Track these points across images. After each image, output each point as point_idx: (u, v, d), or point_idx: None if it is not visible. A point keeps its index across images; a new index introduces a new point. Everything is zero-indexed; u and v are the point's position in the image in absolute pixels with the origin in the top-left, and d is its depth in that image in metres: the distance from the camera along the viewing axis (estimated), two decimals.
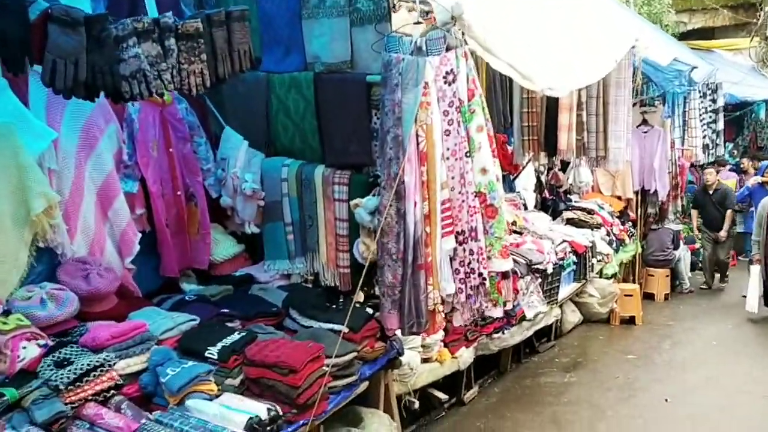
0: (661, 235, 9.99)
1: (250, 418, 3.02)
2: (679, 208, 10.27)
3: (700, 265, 10.98)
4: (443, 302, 3.98)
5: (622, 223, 9.73)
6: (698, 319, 8.98)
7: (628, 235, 9.73)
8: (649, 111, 9.76)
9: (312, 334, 3.74)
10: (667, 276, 10.09)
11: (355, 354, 3.74)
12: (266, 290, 4.39)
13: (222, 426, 2.95)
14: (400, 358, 4.35)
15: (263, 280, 4.55)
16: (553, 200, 9.15)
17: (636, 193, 9.88)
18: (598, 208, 9.34)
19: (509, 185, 8.89)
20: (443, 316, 4.01)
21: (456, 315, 4.10)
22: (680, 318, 9.03)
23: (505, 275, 4.06)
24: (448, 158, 3.93)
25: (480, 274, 3.95)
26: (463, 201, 3.94)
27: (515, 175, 8.91)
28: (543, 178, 9.09)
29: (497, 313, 4.08)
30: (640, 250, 9.95)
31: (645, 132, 9.73)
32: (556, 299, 7.28)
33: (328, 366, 3.44)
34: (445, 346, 5.46)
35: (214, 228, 4.68)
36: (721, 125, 12.57)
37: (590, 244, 8.20)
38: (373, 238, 3.96)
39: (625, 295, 8.61)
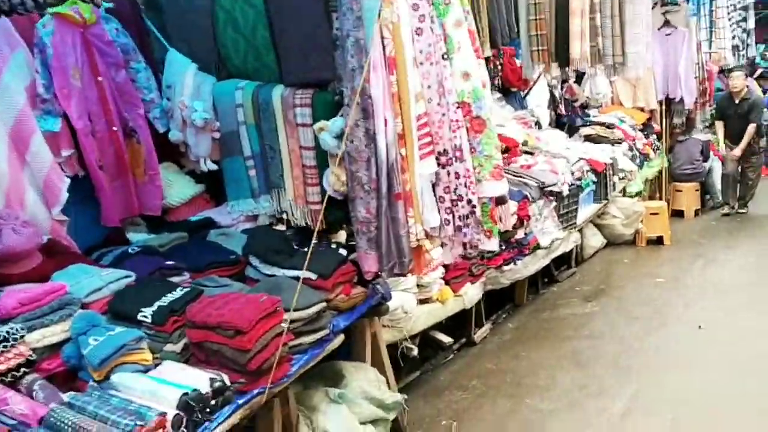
0: (689, 146, 9.19)
1: (185, 393, 2.47)
2: (708, 117, 9.40)
3: None
4: (428, 237, 3.37)
5: (646, 136, 8.96)
6: (733, 236, 8.27)
7: (653, 149, 8.97)
8: (672, 10, 8.82)
9: (273, 285, 3.16)
10: (697, 190, 9.35)
11: (322, 304, 3.15)
12: (228, 235, 3.79)
13: (148, 406, 2.41)
14: (387, 303, 3.76)
15: (225, 224, 3.95)
16: (569, 116, 8.36)
17: (660, 102, 9.05)
18: (618, 122, 8.57)
19: (520, 102, 8.14)
20: (430, 254, 3.39)
21: (445, 251, 3.48)
22: (713, 235, 8.33)
23: (500, 200, 3.41)
24: (421, 63, 3.24)
25: (469, 201, 3.31)
26: (443, 114, 3.26)
27: (526, 91, 8.12)
28: (556, 92, 8.28)
29: (492, 245, 3.44)
30: (666, 164, 9.18)
31: (668, 34, 8.83)
32: (575, 223, 6.62)
33: (286, 322, 2.86)
34: (447, 283, 4.86)
35: (167, 168, 4.06)
36: (752, 23, 11.51)
37: (611, 161, 7.48)
38: (342, 167, 3.33)
39: (651, 214, 7.91)
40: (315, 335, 3.12)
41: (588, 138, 8.10)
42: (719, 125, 9.23)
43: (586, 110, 8.93)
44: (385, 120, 3.16)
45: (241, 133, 3.85)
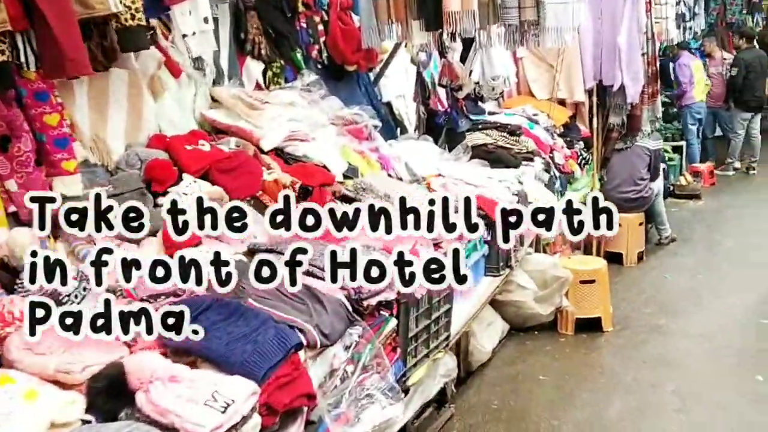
0: (632, 158, 6.13)
1: None
2: (659, 114, 6.28)
3: None
4: None
5: (569, 144, 5.81)
6: (702, 303, 5.25)
7: (580, 163, 5.84)
8: None
9: None
10: (641, 224, 6.30)
11: None
12: None
13: None
14: None
15: None
16: (447, 115, 5.04)
17: (589, 93, 5.91)
18: (527, 124, 5.37)
19: (367, 91, 4.79)
20: None
21: None
22: (673, 302, 5.30)
23: None
24: None
25: None
26: None
27: (376, 71, 4.80)
28: (427, 74, 4.98)
29: None
30: (598, 184, 6.09)
31: None
32: (447, 343, 3.36)
33: None
34: None
35: None
36: None
37: (515, 197, 4.25)
38: None
39: (583, 282, 4.77)
40: None
41: (479, 152, 4.87)
42: None
43: (480, 103, 5.67)
44: None
45: None
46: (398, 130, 5.12)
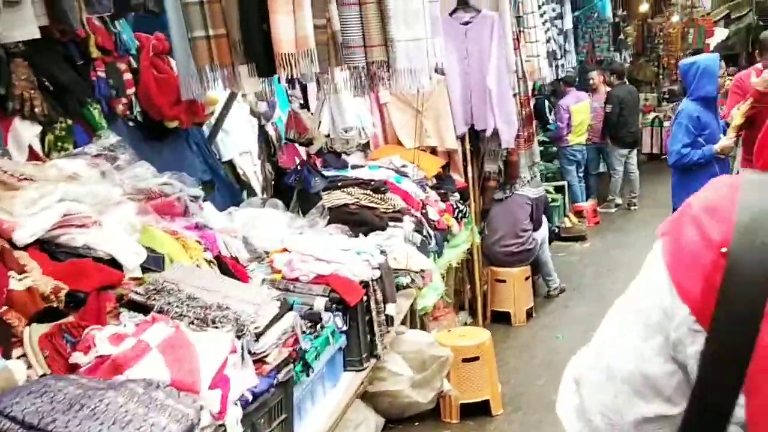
0: (513, 208, 5.62)
1: None
2: (537, 159, 5.81)
3: None
4: None
5: (444, 197, 5.23)
6: None
7: (457, 217, 5.26)
8: None
9: None
10: (528, 278, 5.78)
11: None
12: None
13: None
14: None
15: None
16: (298, 172, 4.28)
17: (462, 139, 5.39)
18: (394, 178, 4.74)
19: (200, 149, 4.01)
20: None
21: None
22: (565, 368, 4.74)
23: None
24: None
25: None
26: None
27: (211, 127, 4.03)
28: (271, 128, 4.25)
29: None
30: (478, 238, 5.53)
31: (466, 23, 5.21)
32: None
33: None
34: None
35: None
36: (569, 22, 8.47)
37: (377, 270, 3.55)
38: None
39: (465, 361, 4.11)
40: None
41: (340, 215, 4.17)
42: None
43: (344, 156, 4.99)
44: None
45: None
46: (244, 193, 4.35)
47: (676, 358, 0.80)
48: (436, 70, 5.28)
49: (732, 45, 17.01)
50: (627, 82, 10.26)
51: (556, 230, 8.32)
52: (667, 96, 14.32)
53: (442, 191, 5.20)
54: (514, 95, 5.23)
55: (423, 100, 5.12)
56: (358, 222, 4.20)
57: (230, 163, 4.28)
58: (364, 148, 5.42)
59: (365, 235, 4.10)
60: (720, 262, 0.75)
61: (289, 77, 3.16)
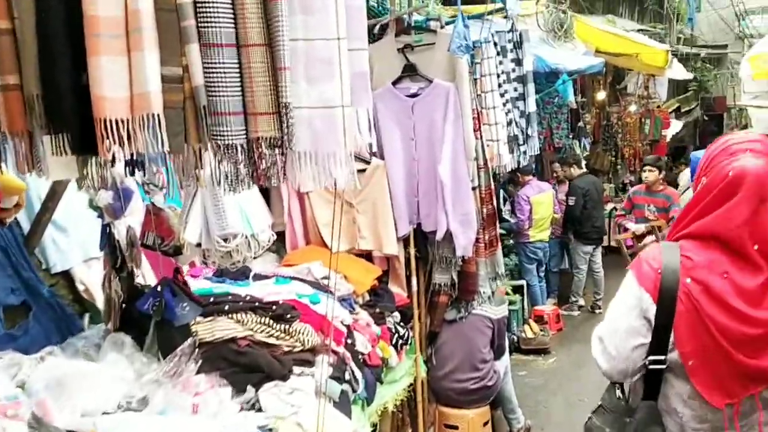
0: (468, 332, 4.34)
1: None
2: (501, 270, 4.51)
3: None
4: None
5: (379, 319, 3.92)
6: None
7: (396, 344, 3.95)
8: (419, 44, 4.13)
9: None
10: (486, 423, 4.46)
11: None
12: None
13: None
14: None
15: None
16: (156, 295, 2.90)
17: (405, 242, 4.16)
18: (309, 296, 3.44)
19: (9, 257, 2.63)
20: None
21: None
22: None
23: None
24: None
25: None
26: None
27: (32, 225, 2.68)
28: (120, 227, 2.92)
29: None
30: (423, 371, 4.21)
31: (413, 94, 4.07)
32: None
33: None
34: None
35: None
36: (532, 105, 7.49)
37: None
38: None
39: None
40: None
41: (221, 356, 2.83)
42: None
43: (245, 276, 3.65)
44: None
45: None
46: (86, 319, 2.98)
47: (646, 316, 2.00)
48: (374, 153, 4.13)
49: (681, 137, 16.99)
50: (588, 172, 9.40)
51: (516, 340, 7.17)
52: (625, 187, 13.61)
53: (377, 311, 3.90)
54: (474, 188, 4.05)
55: (356, 192, 3.91)
56: (248, 367, 2.86)
57: (66, 276, 2.93)
58: (278, 248, 4.13)
59: (256, 388, 2.79)
60: (658, 275, 1.97)
61: (123, 158, 1.96)
